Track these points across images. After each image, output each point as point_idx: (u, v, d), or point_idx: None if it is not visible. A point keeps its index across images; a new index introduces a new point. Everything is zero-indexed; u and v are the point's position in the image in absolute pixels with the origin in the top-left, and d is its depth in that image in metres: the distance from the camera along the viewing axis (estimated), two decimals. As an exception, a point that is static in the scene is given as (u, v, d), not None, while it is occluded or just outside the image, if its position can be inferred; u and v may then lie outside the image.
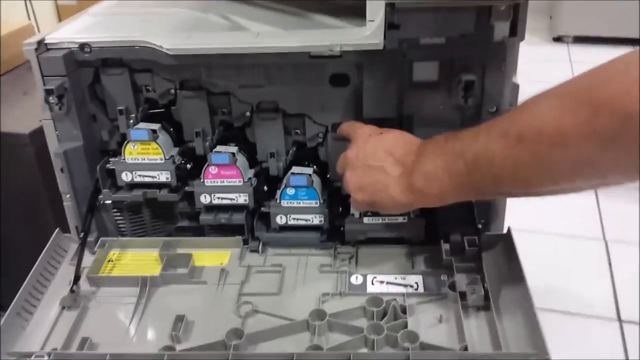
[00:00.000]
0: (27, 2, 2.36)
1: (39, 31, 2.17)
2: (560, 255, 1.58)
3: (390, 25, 0.65)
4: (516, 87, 0.70)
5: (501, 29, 0.66)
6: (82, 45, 0.73)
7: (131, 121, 0.78)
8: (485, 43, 0.67)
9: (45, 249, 0.76)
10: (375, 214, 0.75)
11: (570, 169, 0.44)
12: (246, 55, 0.70)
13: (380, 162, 0.63)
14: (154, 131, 0.75)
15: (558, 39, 3.14)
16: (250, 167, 0.79)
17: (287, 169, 0.79)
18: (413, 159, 0.61)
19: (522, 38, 0.67)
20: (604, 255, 1.58)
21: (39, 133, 1.08)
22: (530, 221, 1.40)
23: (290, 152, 0.80)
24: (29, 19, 2.32)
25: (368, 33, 0.67)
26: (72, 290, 0.70)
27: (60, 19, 2.56)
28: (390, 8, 0.64)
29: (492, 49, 0.67)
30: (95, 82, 0.77)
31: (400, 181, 0.61)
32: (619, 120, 0.39)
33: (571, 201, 1.79)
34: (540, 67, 2.73)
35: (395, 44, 0.66)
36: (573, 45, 3.09)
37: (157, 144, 0.75)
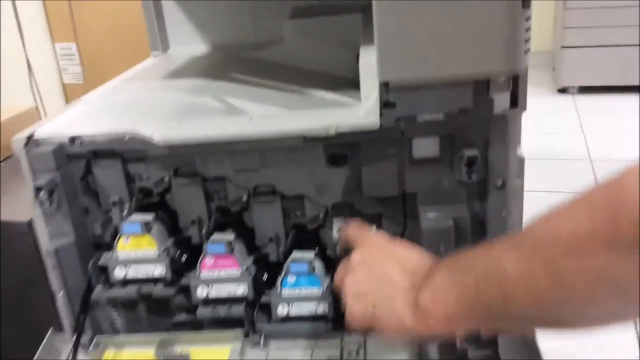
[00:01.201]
0: (33, 83, 2.40)
1: (45, 113, 2.22)
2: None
3: (385, 104, 0.63)
4: (522, 160, 0.67)
5: (501, 101, 0.63)
6: (73, 139, 0.72)
7: (125, 212, 0.76)
8: (486, 116, 0.64)
9: (39, 351, 0.73)
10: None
11: (585, 282, 0.39)
12: (240, 142, 0.68)
13: (388, 269, 0.55)
14: (147, 223, 0.72)
15: (563, 90, 3.14)
16: (249, 254, 0.75)
17: (287, 253, 0.75)
18: (424, 272, 0.53)
19: (525, 109, 0.64)
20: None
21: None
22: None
23: (290, 235, 0.76)
24: (35, 100, 2.36)
25: (363, 113, 0.64)
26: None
27: (67, 100, 2.60)
28: (384, 87, 0.62)
29: (493, 122, 0.64)
30: (87, 173, 0.75)
31: (408, 295, 0.52)
32: (637, 226, 0.35)
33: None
34: (549, 118, 2.73)
35: (392, 122, 0.64)
36: (578, 95, 3.08)
37: (151, 236, 0.72)
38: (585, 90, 3.07)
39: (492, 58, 0.58)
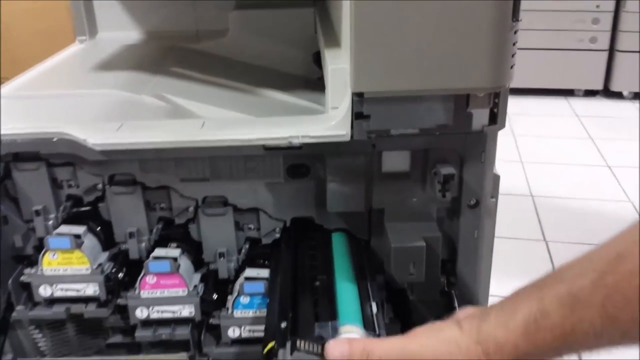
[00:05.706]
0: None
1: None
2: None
3: (358, 116, 0.57)
4: (497, 178, 0.63)
5: (480, 117, 0.59)
6: (-13, 138, 0.61)
7: (50, 222, 0.66)
8: (463, 132, 0.59)
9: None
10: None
11: None
12: (190, 149, 0.60)
13: None
14: (78, 236, 0.63)
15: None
16: (196, 270, 0.68)
17: (239, 270, 0.68)
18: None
19: (503, 126, 0.60)
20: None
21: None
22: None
23: (243, 250, 0.69)
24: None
25: (333, 123, 0.58)
26: None
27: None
28: (358, 98, 0.56)
29: (470, 139, 0.60)
30: (6, 177, 0.65)
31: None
32: None
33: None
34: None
35: (364, 135, 0.58)
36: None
37: (82, 251, 0.63)
38: (512, 92, 3.13)
39: (477, 73, 0.53)
